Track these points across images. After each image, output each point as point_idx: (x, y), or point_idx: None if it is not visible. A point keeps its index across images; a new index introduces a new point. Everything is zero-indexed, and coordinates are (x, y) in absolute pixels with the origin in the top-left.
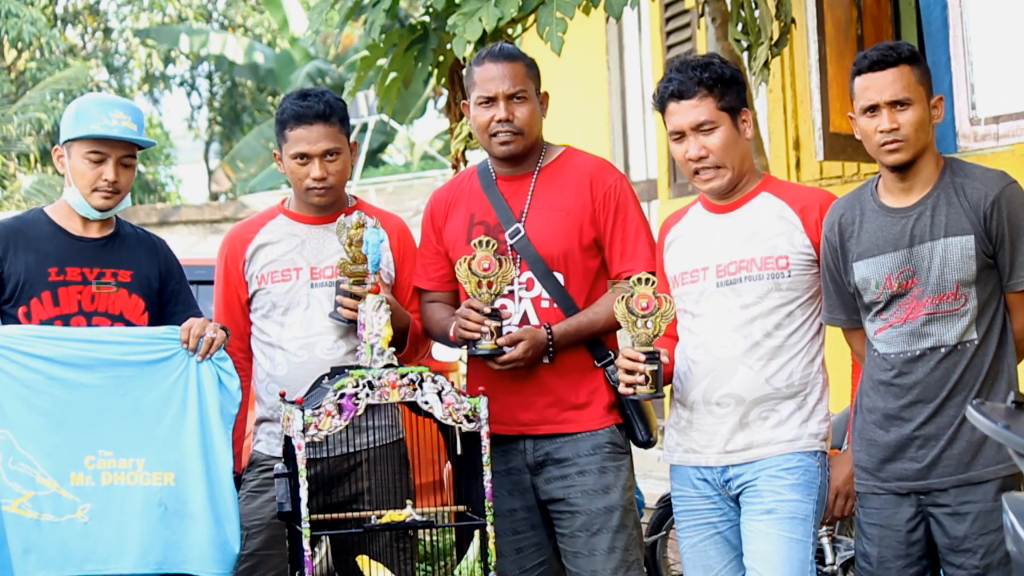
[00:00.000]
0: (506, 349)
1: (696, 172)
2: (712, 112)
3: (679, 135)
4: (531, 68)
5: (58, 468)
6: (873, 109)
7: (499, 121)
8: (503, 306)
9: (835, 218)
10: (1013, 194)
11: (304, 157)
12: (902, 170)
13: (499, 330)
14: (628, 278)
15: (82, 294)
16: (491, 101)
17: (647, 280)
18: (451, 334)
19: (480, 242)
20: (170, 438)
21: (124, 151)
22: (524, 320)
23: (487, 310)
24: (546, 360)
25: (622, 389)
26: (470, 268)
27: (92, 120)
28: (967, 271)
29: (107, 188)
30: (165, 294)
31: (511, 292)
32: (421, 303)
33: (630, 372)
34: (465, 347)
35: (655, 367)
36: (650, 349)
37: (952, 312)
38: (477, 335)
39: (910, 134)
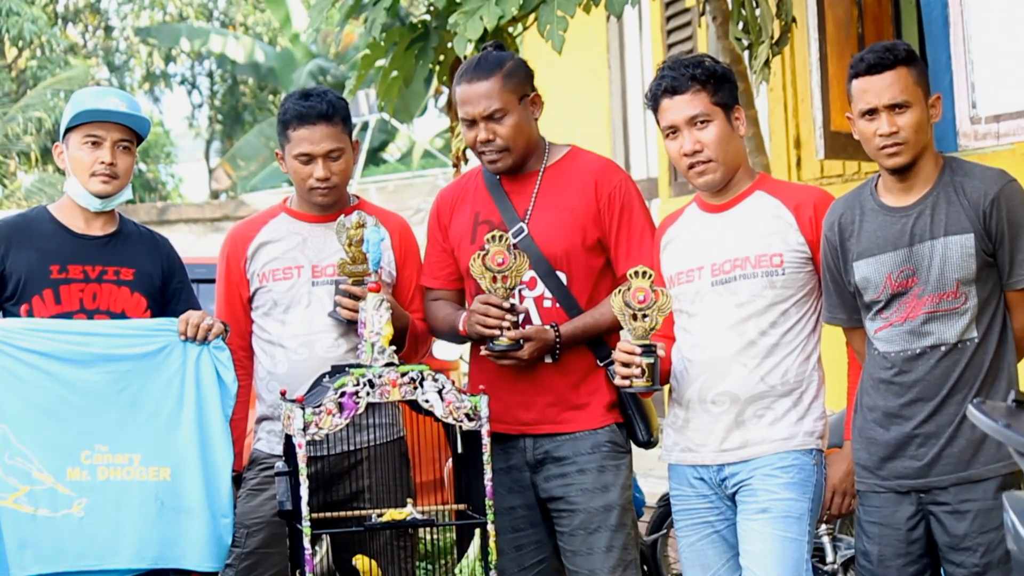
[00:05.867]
0: (521, 342)
1: (690, 167)
2: (706, 106)
3: (673, 131)
4: (510, 77)
5: (54, 463)
6: (871, 112)
7: (482, 142)
8: (521, 297)
9: (835, 217)
10: (1013, 192)
11: (307, 157)
12: (902, 171)
13: (515, 325)
14: None
15: (84, 292)
16: (472, 123)
17: (644, 273)
18: (461, 327)
19: (493, 237)
20: (167, 433)
21: (120, 135)
22: (527, 320)
23: (506, 305)
24: (549, 359)
25: (618, 381)
26: (484, 263)
27: (87, 104)
28: (967, 270)
29: (105, 172)
30: (167, 292)
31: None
32: (425, 300)
33: (626, 365)
34: (475, 342)
35: (651, 360)
36: (646, 342)
37: (952, 311)
38: (498, 331)
39: (909, 136)
